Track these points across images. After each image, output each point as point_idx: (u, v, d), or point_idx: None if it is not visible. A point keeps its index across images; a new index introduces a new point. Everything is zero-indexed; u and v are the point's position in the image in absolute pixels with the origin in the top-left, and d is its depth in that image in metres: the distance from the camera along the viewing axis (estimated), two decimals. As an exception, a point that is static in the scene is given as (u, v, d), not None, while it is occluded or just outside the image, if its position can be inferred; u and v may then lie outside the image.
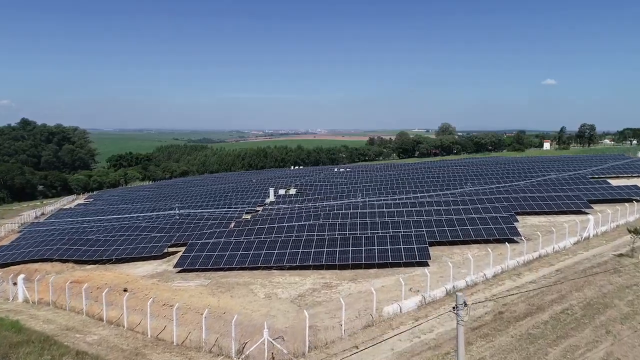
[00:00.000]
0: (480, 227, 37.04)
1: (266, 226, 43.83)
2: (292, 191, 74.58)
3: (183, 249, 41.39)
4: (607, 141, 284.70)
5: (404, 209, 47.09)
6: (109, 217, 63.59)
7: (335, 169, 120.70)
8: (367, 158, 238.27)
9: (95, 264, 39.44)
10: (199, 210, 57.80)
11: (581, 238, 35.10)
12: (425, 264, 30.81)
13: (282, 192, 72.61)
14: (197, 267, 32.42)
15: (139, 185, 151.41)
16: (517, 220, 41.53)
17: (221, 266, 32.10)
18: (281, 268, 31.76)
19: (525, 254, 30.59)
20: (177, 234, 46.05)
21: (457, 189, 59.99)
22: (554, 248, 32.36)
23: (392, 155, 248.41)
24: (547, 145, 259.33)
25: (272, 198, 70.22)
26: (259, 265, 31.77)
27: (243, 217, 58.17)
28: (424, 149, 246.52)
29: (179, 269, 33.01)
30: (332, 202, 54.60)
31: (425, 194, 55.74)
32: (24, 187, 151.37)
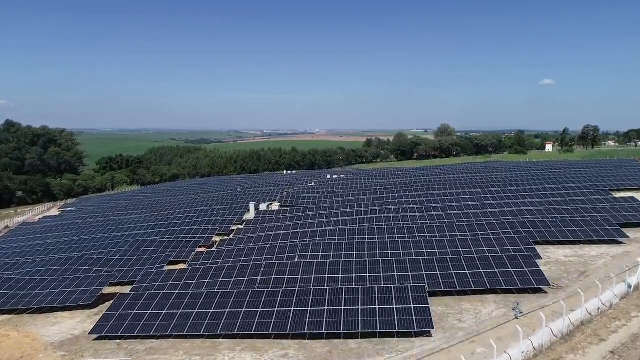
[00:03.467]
0: (496, 270, 28.89)
1: (229, 262, 35.86)
2: (275, 206, 66.37)
3: (128, 288, 33.50)
4: (610, 143, 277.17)
5: (400, 238, 38.97)
6: (60, 239, 55.47)
7: (328, 176, 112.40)
8: (364, 160, 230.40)
9: (9, 314, 31.26)
10: (159, 238, 49.48)
11: (629, 288, 27.01)
12: (427, 334, 22.69)
13: (263, 207, 64.41)
14: (119, 334, 24.23)
15: (121, 192, 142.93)
16: (539, 257, 33.41)
17: (152, 332, 23.94)
18: (232, 336, 23.59)
19: (563, 318, 22.48)
20: (125, 269, 37.99)
21: (462, 209, 51.80)
22: (598, 308, 24.27)
23: (389, 157, 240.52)
24: (549, 147, 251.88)
25: (251, 214, 62.02)
26: (201, 332, 23.61)
27: (213, 239, 50.08)
28: (423, 150, 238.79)
29: (97, 335, 24.79)
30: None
31: (427, 221, 47.36)
32: (0, 194, 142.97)
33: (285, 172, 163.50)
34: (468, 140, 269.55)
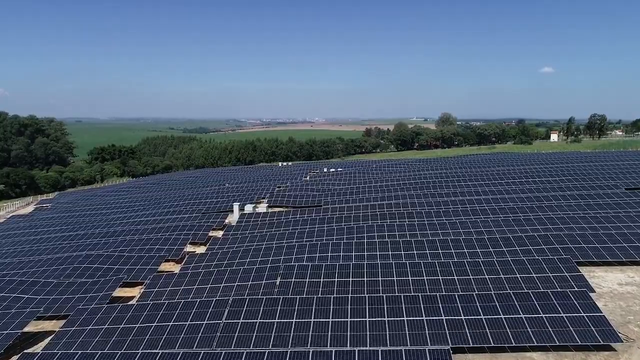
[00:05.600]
0: (543, 315, 21.24)
1: (190, 294, 28.32)
2: (263, 207, 58.57)
3: (61, 323, 25.94)
4: (617, 132, 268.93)
5: (407, 259, 31.37)
6: (10, 248, 47.85)
7: (325, 169, 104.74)
8: (363, 150, 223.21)
9: None
10: (119, 251, 41.84)
11: None
12: None
13: (249, 208, 56.67)
14: None
15: (104, 186, 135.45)
16: (591, 289, 25.78)
17: None
18: None
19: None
20: (63, 297, 30.41)
21: (478, 215, 44.20)
22: None
23: (389, 147, 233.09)
24: (554, 137, 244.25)
25: (234, 217, 54.42)
26: None
27: (185, 249, 42.55)
28: (424, 140, 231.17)
29: None
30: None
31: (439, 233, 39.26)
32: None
33: (280, 163, 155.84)
34: (470, 129, 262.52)
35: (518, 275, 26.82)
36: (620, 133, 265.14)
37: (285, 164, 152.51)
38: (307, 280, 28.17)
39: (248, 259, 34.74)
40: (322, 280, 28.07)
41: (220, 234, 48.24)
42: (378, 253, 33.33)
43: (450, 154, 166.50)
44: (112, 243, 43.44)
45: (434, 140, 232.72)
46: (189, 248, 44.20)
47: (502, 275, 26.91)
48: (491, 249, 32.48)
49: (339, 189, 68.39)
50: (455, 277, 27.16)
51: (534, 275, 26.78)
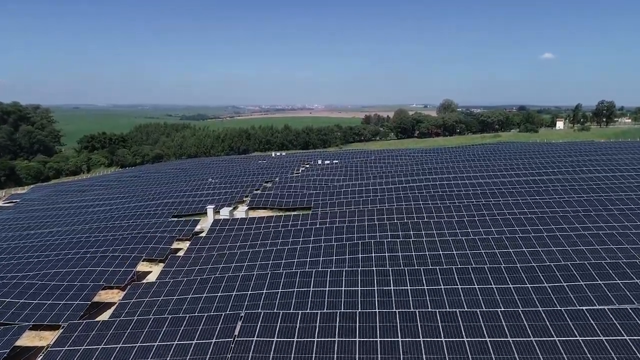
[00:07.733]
0: None
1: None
2: (242, 210, 49.94)
3: None
4: (625, 120, 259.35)
5: (418, 310, 23.01)
6: None
7: (320, 161, 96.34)
8: (362, 138, 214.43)
9: None
10: (49, 276, 33.42)
11: None
12: None
13: (225, 212, 48.21)
14: None
15: (81, 179, 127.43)
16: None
17: None
18: None
19: None
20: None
21: (499, 226, 35.60)
22: None
23: (389, 135, 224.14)
24: (560, 125, 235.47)
25: (208, 223, 46.17)
26: None
27: (137, 268, 34.34)
28: (425, 128, 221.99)
29: None
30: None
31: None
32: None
33: (274, 153, 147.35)
34: (472, 117, 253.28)
35: (579, 339, 18.43)
36: (629, 120, 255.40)
37: (279, 153, 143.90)
38: (275, 339, 19.80)
39: (204, 294, 26.33)
40: (295, 339, 19.71)
41: (185, 246, 39.92)
42: (376, 288, 24.98)
43: (454, 142, 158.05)
44: (45, 263, 35.01)
45: (436, 127, 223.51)
46: (142, 266, 36.03)
47: (555, 338, 18.54)
48: (528, 285, 24.08)
49: (333, 187, 59.98)
50: (487, 339, 18.80)
51: (603, 338, 18.41)
